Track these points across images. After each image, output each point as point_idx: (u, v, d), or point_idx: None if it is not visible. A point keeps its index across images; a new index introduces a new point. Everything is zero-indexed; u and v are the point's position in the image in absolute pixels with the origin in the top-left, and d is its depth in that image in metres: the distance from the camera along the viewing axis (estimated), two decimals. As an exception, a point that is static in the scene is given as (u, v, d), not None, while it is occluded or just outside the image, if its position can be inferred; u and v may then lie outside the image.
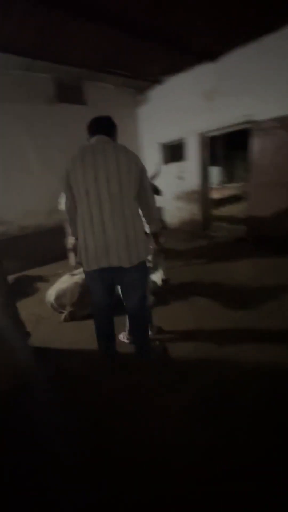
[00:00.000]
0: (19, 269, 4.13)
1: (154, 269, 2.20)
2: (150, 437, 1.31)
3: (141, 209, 1.57)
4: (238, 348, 1.88)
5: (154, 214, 1.61)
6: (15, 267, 4.14)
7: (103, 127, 1.51)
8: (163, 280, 2.38)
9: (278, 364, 1.69)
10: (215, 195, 8.22)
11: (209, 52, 3.91)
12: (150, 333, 2.09)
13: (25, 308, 2.85)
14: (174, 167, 5.34)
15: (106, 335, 1.73)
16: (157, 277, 2.43)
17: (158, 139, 5.43)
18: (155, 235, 1.82)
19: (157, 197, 2.65)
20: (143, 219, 1.61)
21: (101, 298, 1.61)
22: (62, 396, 1.61)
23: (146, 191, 1.50)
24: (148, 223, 1.65)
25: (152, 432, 1.34)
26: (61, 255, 4.26)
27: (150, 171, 2.79)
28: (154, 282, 2.48)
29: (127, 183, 1.36)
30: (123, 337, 2.07)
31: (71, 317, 2.41)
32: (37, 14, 2.75)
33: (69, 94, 4.71)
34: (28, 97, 4.22)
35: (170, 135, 5.16)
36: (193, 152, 4.86)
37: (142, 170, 1.44)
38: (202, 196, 5.06)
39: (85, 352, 2.00)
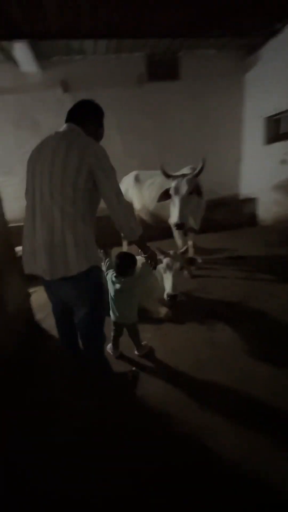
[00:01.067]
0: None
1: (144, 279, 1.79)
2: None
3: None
4: (224, 423, 1.31)
5: (120, 219, 1.26)
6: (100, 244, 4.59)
7: (74, 113, 1.31)
8: (168, 295, 1.96)
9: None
10: None
11: None
12: (136, 352, 1.81)
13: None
14: (278, 147, 4.14)
15: (65, 343, 1.60)
16: (167, 288, 2.03)
17: (263, 111, 4.30)
18: (138, 244, 1.45)
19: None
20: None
21: (54, 308, 1.47)
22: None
23: (105, 191, 1.19)
24: (118, 229, 1.32)
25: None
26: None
27: (196, 164, 2.21)
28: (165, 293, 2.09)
29: (62, 181, 1.12)
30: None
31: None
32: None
33: (162, 70, 4.41)
34: (117, 81, 4.25)
35: (278, 105, 3.96)
36: (305, 126, 3.55)
37: (93, 168, 1.14)
38: (309, 188, 3.72)
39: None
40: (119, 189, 1.23)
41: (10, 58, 3.76)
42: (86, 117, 1.31)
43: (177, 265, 1.99)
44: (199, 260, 2.08)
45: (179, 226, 2.07)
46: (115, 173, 1.22)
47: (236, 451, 1.16)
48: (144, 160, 4.50)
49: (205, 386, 1.53)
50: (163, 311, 2.20)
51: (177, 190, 2.16)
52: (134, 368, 1.67)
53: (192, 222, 2.60)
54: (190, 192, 2.14)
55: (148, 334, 2.03)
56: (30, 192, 1.21)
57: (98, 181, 1.17)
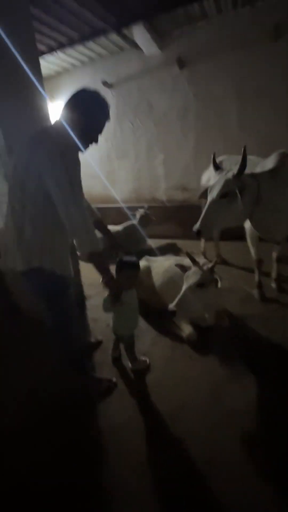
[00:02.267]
0: (180, 236, 4.38)
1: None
2: None
3: None
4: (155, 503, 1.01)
5: (70, 231, 1.13)
6: (179, 233, 4.43)
7: (64, 107, 1.18)
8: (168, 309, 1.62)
9: None
10: None
11: None
12: (130, 365, 1.67)
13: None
14: None
15: None
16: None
17: None
18: (92, 263, 1.21)
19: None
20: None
21: None
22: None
23: (55, 199, 1.07)
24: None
25: None
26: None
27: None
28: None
29: (13, 180, 1.12)
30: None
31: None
32: None
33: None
34: (245, 41, 3.46)
35: None
36: None
37: (42, 172, 1.03)
38: None
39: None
40: (73, 199, 1.06)
41: (134, 45, 3.88)
42: (63, 111, 1.16)
43: (195, 278, 1.57)
44: (220, 281, 1.55)
45: (197, 233, 1.60)
46: (73, 179, 1.05)
47: None
48: (266, 139, 3.57)
49: (170, 442, 1.23)
50: (187, 330, 1.85)
51: (210, 189, 1.64)
52: (114, 380, 1.56)
53: (261, 229, 1.91)
54: (223, 196, 1.54)
55: (157, 351, 1.80)
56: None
57: (49, 186, 1.04)
